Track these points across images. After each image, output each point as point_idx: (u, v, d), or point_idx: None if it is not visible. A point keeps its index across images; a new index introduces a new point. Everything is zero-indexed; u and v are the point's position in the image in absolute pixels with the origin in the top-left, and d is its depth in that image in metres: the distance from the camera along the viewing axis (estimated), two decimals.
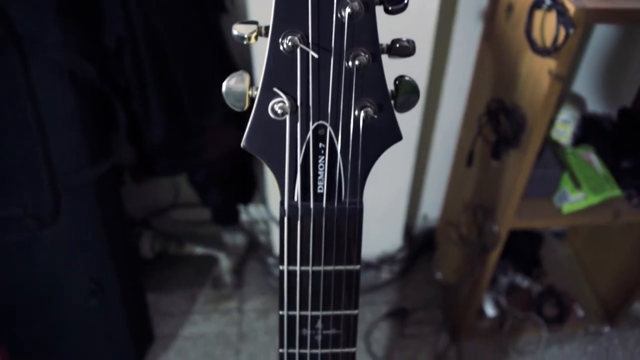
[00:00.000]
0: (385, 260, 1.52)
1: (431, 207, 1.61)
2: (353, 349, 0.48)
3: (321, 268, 0.43)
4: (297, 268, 0.43)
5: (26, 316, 1.26)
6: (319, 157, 0.40)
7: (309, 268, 0.43)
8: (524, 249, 1.57)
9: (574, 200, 1.17)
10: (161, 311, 1.51)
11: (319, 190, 0.41)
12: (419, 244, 1.62)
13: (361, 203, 0.41)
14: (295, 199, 0.41)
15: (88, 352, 1.33)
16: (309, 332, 0.47)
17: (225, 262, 1.51)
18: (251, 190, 1.41)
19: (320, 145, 0.39)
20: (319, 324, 0.46)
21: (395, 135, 0.40)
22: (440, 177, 1.53)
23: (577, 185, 1.17)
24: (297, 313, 0.46)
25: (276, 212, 1.43)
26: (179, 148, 1.20)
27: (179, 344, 1.45)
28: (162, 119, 1.13)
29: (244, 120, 1.28)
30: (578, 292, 1.55)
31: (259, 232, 1.60)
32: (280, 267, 0.43)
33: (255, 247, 1.60)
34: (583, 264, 1.62)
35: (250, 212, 1.59)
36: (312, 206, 0.41)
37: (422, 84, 1.19)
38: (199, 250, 1.52)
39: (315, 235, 0.42)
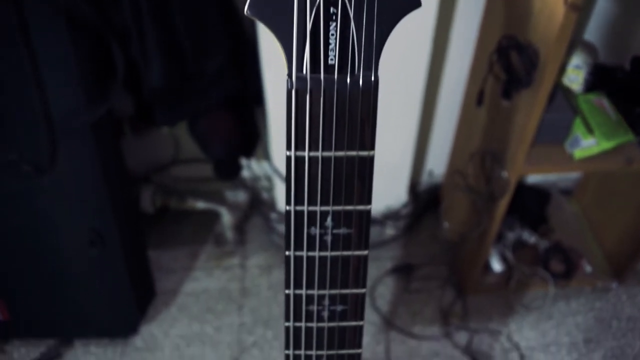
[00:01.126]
0: (389, 216, 1.49)
1: (437, 163, 1.58)
2: (365, 252, 0.46)
3: (332, 154, 0.40)
4: (306, 154, 0.40)
5: (25, 267, 1.24)
6: (330, 23, 0.36)
7: (319, 153, 0.40)
8: (531, 206, 1.55)
9: (586, 145, 1.13)
10: (163, 267, 1.49)
11: (329, 62, 0.37)
12: (425, 200, 1.59)
13: (376, 76, 0.38)
14: (304, 71, 0.37)
15: (89, 306, 1.31)
16: (317, 231, 0.44)
17: (227, 218, 1.48)
18: (254, 142, 1.38)
19: (332, 9, 0.36)
20: (329, 222, 0.44)
21: (414, 1, 0.36)
22: (446, 133, 1.50)
23: (589, 130, 1.14)
24: (305, 208, 0.43)
25: (281, 166, 1.40)
26: (178, 93, 1.16)
27: (180, 300, 1.43)
28: (161, 62, 1.09)
29: (245, 64, 1.23)
30: (585, 249, 1.53)
31: (261, 188, 1.57)
32: (287, 153, 0.40)
33: (258, 204, 1.57)
34: (590, 221, 1.59)
35: (253, 169, 1.56)
36: (322, 78, 0.37)
37: (429, 29, 1.14)
38: (201, 205, 1.49)
39: (325, 114, 0.38)
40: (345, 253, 0.45)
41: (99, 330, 1.36)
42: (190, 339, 1.35)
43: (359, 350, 0.53)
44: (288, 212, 0.43)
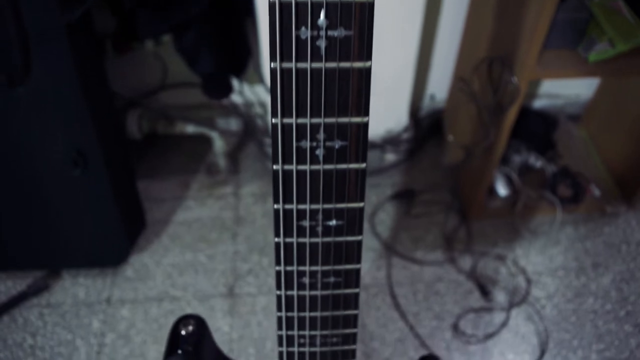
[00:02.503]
0: (389, 140, 1.42)
1: (439, 86, 1.50)
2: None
3: None
4: None
5: (7, 193, 1.17)
6: None
7: None
8: (538, 131, 1.48)
9: (601, 48, 1.05)
10: (152, 197, 1.43)
11: None
12: (426, 125, 1.52)
13: None
14: None
15: (77, 235, 1.25)
16: (309, 33, 0.36)
17: (219, 143, 1.41)
18: (244, 58, 1.29)
19: None
20: (322, 28, 0.36)
21: None
22: (448, 54, 1.41)
23: (604, 32, 1.05)
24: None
25: None
26: None
27: (172, 229, 1.37)
28: None
29: None
30: (594, 174, 1.46)
31: (255, 115, 1.49)
32: None
33: (251, 131, 1.49)
34: (599, 146, 1.52)
35: (245, 94, 1.48)
36: None
37: None
38: (191, 129, 1.41)
39: None
40: (343, 64, 0.38)
41: (88, 260, 1.30)
42: (182, 267, 1.30)
43: (361, 204, 0.46)
44: (272, 19, 0.35)
